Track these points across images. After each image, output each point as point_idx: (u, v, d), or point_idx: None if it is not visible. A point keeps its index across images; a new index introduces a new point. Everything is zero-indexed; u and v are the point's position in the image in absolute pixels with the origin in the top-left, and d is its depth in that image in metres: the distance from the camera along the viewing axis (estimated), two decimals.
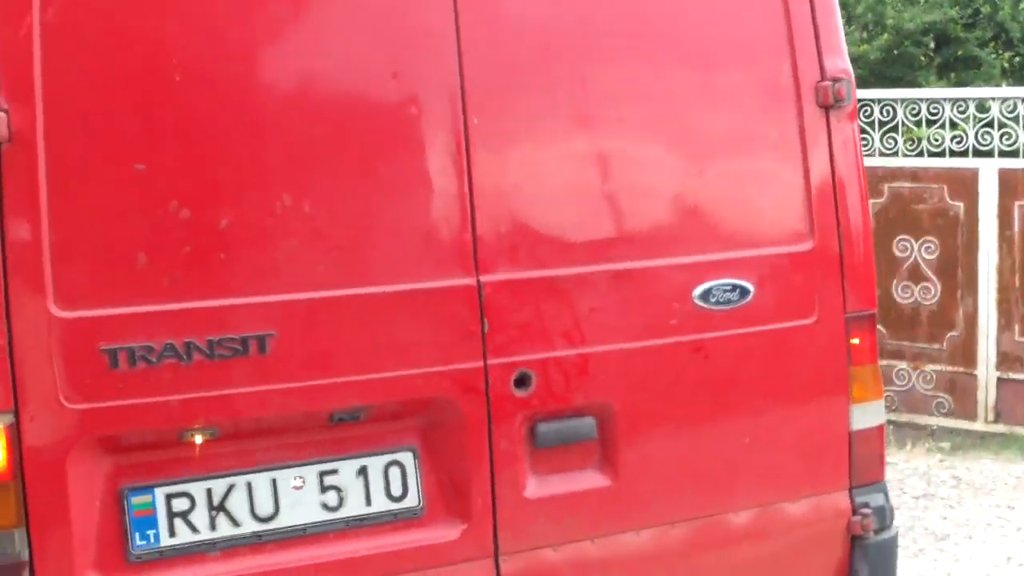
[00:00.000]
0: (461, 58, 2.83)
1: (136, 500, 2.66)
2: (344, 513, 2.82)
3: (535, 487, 2.98)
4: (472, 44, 2.84)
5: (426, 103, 2.81)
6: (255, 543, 2.74)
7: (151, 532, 2.66)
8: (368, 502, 2.84)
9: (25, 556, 2.55)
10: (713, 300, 3.12)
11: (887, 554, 3.38)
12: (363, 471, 2.84)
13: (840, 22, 3.33)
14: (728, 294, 3.14)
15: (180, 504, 2.69)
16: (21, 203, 2.51)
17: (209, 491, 2.71)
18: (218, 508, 2.72)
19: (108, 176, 2.59)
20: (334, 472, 2.81)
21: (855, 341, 3.30)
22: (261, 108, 2.70)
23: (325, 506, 2.81)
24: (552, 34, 2.97)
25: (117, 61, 2.58)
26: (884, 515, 3.36)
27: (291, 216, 2.69)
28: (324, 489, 2.81)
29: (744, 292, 3.15)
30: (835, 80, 3.21)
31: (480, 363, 2.88)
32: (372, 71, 2.78)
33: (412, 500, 2.88)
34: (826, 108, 3.22)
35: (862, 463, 3.34)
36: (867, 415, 3.35)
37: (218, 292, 2.66)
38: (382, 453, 2.86)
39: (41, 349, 2.54)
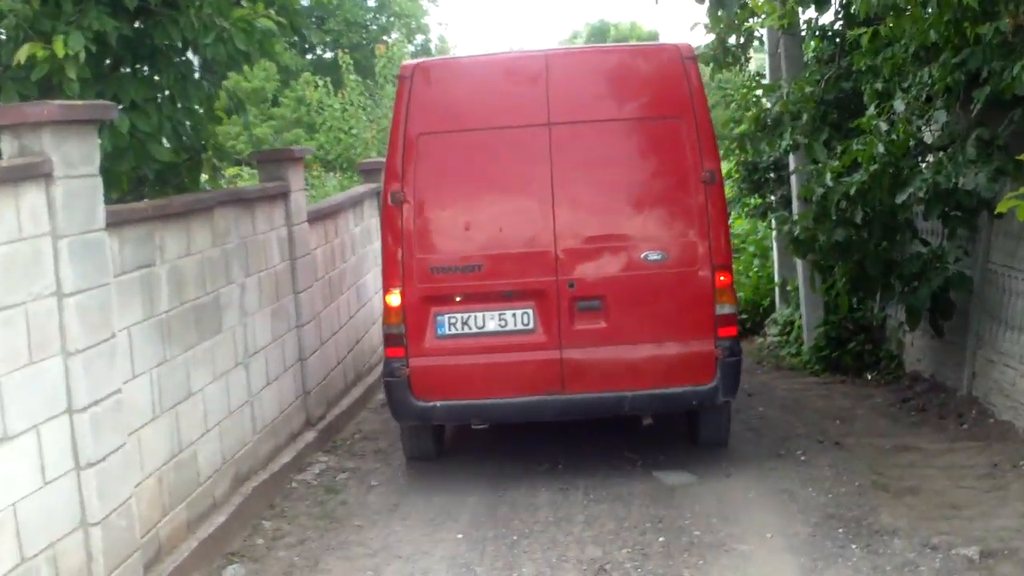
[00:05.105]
0: (552, 169, 7.61)
1: (439, 317, 7.62)
2: (507, 328, 7.64)
3: (577, 324, 7.62)
4: (557, 164, 7.61)
5: (540, 188, 7.61)
6: (476, 336, 7.64)
7: (442, 329, 7.62)
8: (516, 325, 7.62)
9: (403, 332, 7.61)
10: (650, 259, 7.62)
11: (732, 366, 7.61)
12: (514, 314, 7.62)
13: (714, 138, 7.71)
14: (655, 257, 7.61)
15: (452, 320, 7.63)
16: (408, 223, 7.61)
17: (462, 316, 7.62)
18: (464, 323, 7.62)
19: (434, 212, 7.67)
20: (503, 313, 7.62)
21: (721, 278, 7.55)
22: (485, 188, 7.78)
23: (500, 326, 7.65)
24: (584, 163, 7.66)
25: (436, 171, 7.61)
26: (731, 349, 7.59)
27: (489, 222, 7.68)
28: (500, 320, 7.63)
29: (664, 256, 7.61)
30: (709, 171, 7.57)
31: (555, 278, 7.61)
32: (522, 186, 7.68)
33: (531, 326, 7.65)
34: (705, 183, 7.59)
35: (719, 329, 7.55)
36: (724, 309, 7.57)
37: (465, 250, 7.64)
38: (521, 309, 7.63)
39: (412, 268, 7.61)
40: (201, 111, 7.78)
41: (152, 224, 6.25)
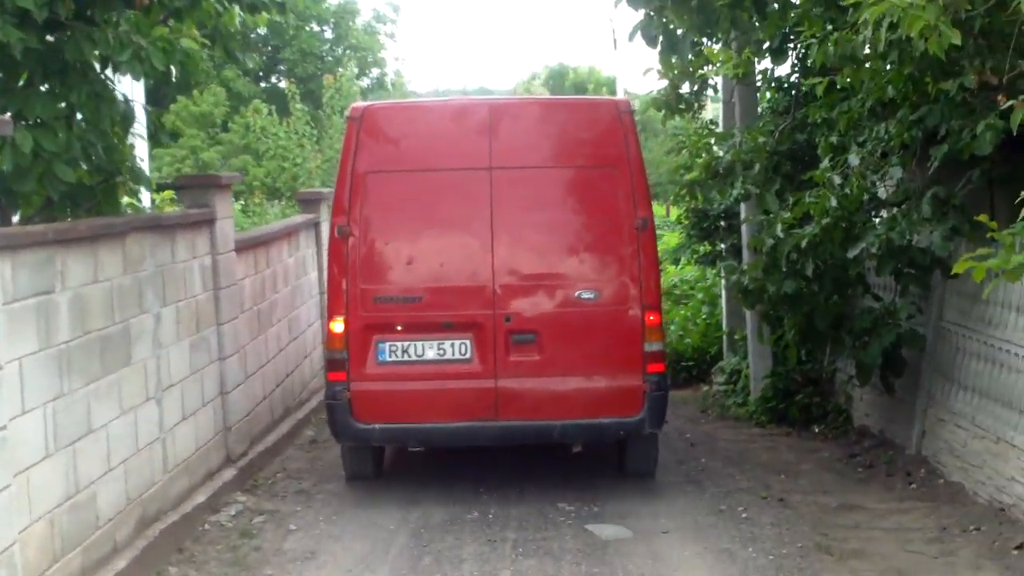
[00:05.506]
0: (492, 210, 8.04)
1: (380, 345, 8.01)
2: (445, 357, 8.04)
3: (512, 356, 8.04)
4: (497, 205, 8.04)
5: (481, 227, 8.04)
6: (416, 363, 8.04)
7: (383, 356, 8.02)
8: (454, 354, 8.02)
9: (346, 357, 8.01)
10: (583, 297, 8.07)
11: (659, 400, 8.04)
12: (452, 344, 8.01)
13: (647, 188, 8.16)
14: (588, 296, 8.06)
15: (392, 348, 8.04)
16: (354, 255, 8.00)
17: (402, 344, 8.03)
18: (404, 351, 8.04)
19: (378, 246, 8.09)
20: (442, 343, 8.01)
21: (651, 317, 8.01)
22: (427, 226, 8.15)
23: (438, 355, 8.05)
24: (523, 205, 8.13)
25: (381, 207, 8.04)
26: (659, 384, 8.02)
27: (431, 257, 8.08)
28: (439, 349, 8.03)
29: (596, 295, 8.08)
30: (642, 218, 8.03)
31: (492, 312, 8.01)
32: (463, 225, 8.13)
33: (468, 356, 8.06)
34: (638, 229, 8.03)
35: (647, 364, 7.98)
36: (653, 346, 8.02)
37: (407, 282, 8.08)
38: (459, 339, 8.01)
39: (355, 298, 8.00)
40: (121, 132, 7.30)
41: (52, 248, 5.80)
